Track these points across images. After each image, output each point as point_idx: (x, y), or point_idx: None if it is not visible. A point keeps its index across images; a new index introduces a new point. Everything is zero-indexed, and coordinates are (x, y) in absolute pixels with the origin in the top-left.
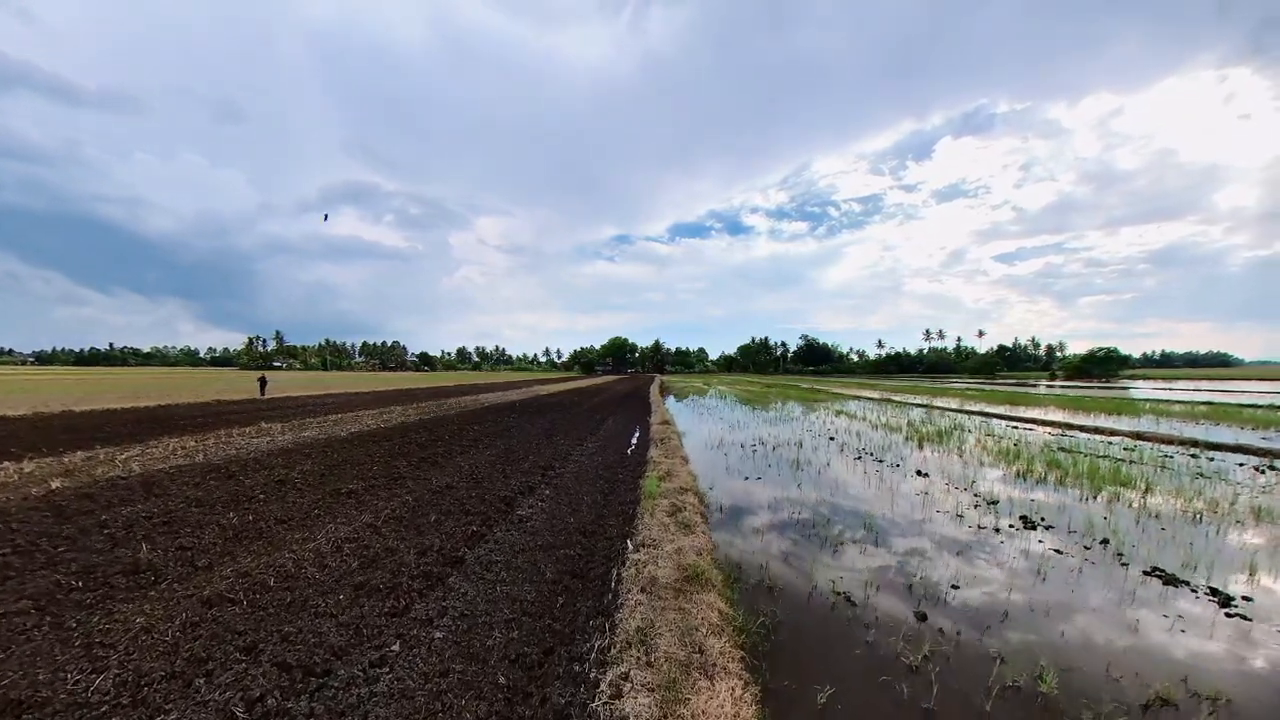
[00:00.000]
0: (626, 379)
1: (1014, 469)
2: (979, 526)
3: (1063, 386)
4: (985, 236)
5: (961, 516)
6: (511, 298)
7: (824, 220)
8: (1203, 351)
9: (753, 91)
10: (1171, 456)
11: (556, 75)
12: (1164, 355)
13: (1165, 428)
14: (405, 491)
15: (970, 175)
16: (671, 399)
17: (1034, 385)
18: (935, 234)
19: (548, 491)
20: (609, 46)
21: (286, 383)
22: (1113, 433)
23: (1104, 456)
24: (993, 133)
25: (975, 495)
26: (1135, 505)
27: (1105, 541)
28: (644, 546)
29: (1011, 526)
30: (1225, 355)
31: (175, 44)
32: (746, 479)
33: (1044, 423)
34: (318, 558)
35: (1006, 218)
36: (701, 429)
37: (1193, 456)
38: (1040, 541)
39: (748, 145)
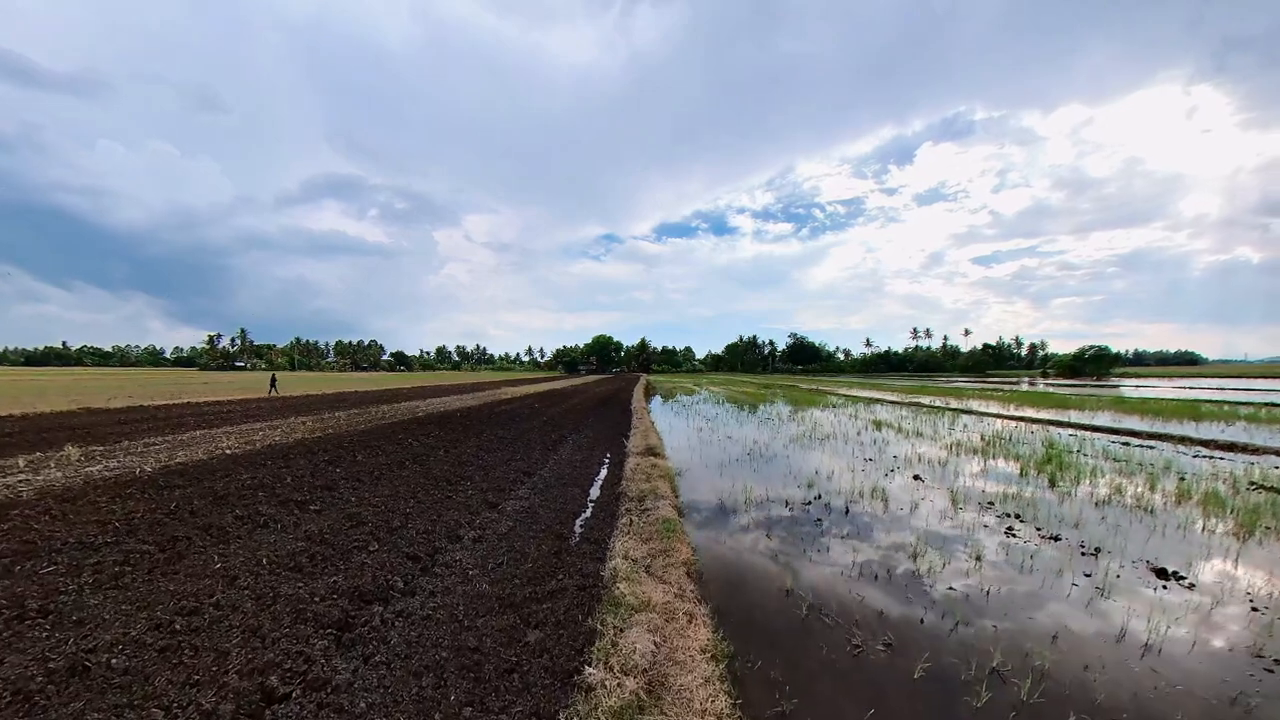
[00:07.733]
0: (609, 379)
1: None
2: None
3: (1066, 385)
4: (963, 239)
5: None
6: (497, 296)
7: (808, 222)
8: (1171, 351)
9: (738, 93)
10: None
11: (544, 73)
12: (1136, 354)
13: None
14: None
15: (949, 180)
16: (658, 403)
17: (1029, 383)
18: (915, 236)
19: None
20: (596, 46)
21: (224, 385)
22: (1277, 452)
23: None
24: (971, 139)
25: None
26: None
27: None
28: None
29: None
30: (1194, 354)
31: (146, 26)
32: (858, 654)
33: (1152, 435)
34: None
35: (984, 221)
36: (705, 462)
37: None
38: None
39: (733, 146)
